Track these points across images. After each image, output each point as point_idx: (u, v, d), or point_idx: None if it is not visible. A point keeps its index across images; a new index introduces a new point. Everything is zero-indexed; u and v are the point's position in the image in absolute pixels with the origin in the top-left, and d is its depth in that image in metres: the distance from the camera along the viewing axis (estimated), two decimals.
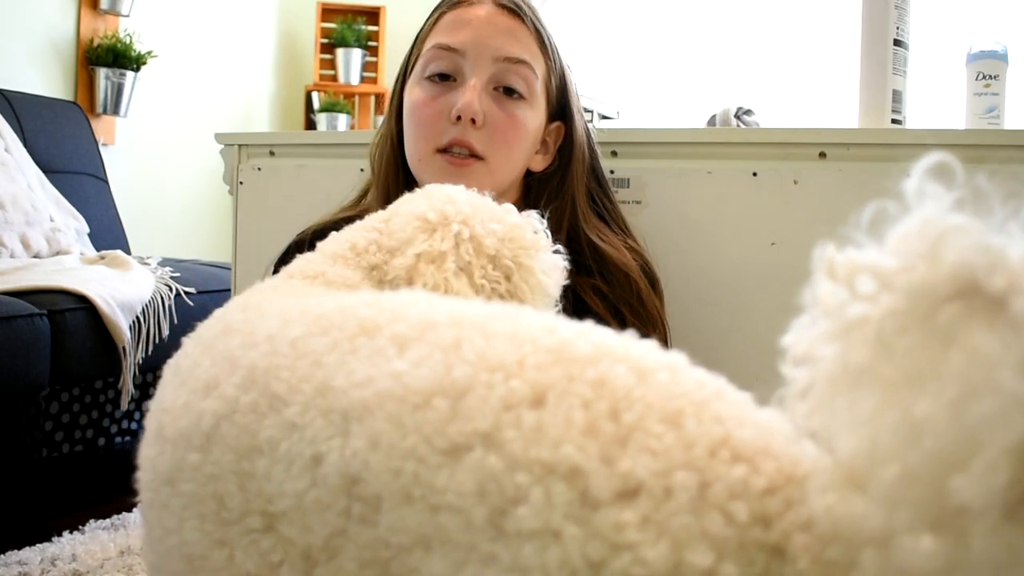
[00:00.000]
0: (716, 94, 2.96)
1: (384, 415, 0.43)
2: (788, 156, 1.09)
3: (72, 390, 2.13)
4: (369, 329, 0.48)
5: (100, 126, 2.96)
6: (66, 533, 1.61)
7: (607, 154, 1.14)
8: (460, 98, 0.95)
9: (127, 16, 3.05)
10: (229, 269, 1.54)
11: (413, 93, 0.99)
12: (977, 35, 1.33)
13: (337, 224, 0.97)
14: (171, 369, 0.61)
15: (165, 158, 3.31)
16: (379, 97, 3.85)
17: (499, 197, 0.77)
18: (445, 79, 0.98)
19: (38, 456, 2.04)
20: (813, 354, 0.37)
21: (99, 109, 2.96)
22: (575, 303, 0.92)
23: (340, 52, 3.80)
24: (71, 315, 1.79)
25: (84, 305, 1.83)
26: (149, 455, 0.57)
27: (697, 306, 1.10)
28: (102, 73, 2.94)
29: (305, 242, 0.97)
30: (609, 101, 2.53)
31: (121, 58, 2.94)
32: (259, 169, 1.40)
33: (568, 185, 1.02)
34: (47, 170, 2.48)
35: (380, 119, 1.22)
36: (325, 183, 1.30)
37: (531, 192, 1.04)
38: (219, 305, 0.67)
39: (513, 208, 0.74)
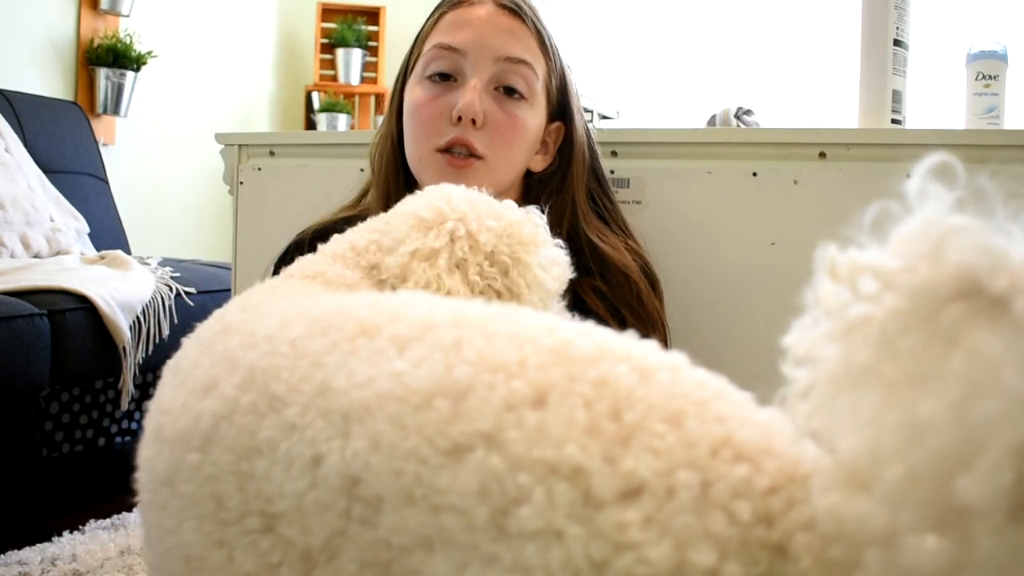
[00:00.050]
0: (716, 94, 2.96)
1: (385, 416, 0.43)
2: (788, 156, 1.09)
3: (72, 390, 2.13)
4: (369, 330, 0.48)
5: (100, 126, 2.97)
6: (66, 533, 1.60)
7: (607, 154, 1.14)
8: (461, 98, 0.95)
9: (127, 16, 3.05)
10: (229, 269, 1.54)
11: (414, 93, 0.99)
12: (977, 35, 1.33)
13: (337, 224, 0.98)
14: (170, 369, 0.61)
15: (165, 158, 3.31)
16: (379, 97, 3.85)
17: (499, 197, 0.77)
18: (446, 79, 0.98)
19: (38, 456, 2.04)
20: (815, 354, 0.37)
21: (99, 109, 2.96)
22: (575, 303, 0.92)
23: (340, 52, 3.80)
24: (71, 315, 1.79)
25: (84, 305, 1.83)
26: (148, 455, 0.57)
27: (697, 306, 1.10)
28: (102, 73, 2.94)
29: (305, 242, 0.97)
30: (609, 101, 2.53)
31: (121, 58, 2.94)
32: (259, 169, 1.40)
33: (568, 185, 1.02)
34: (47, 170, 2.48)
35: (380, 119, 1.22)
36: (325, 183, 1.30)
37: (531, 192, 1.04)
38: (219, 305, 0.67)
39: (513, 204, 0.74)
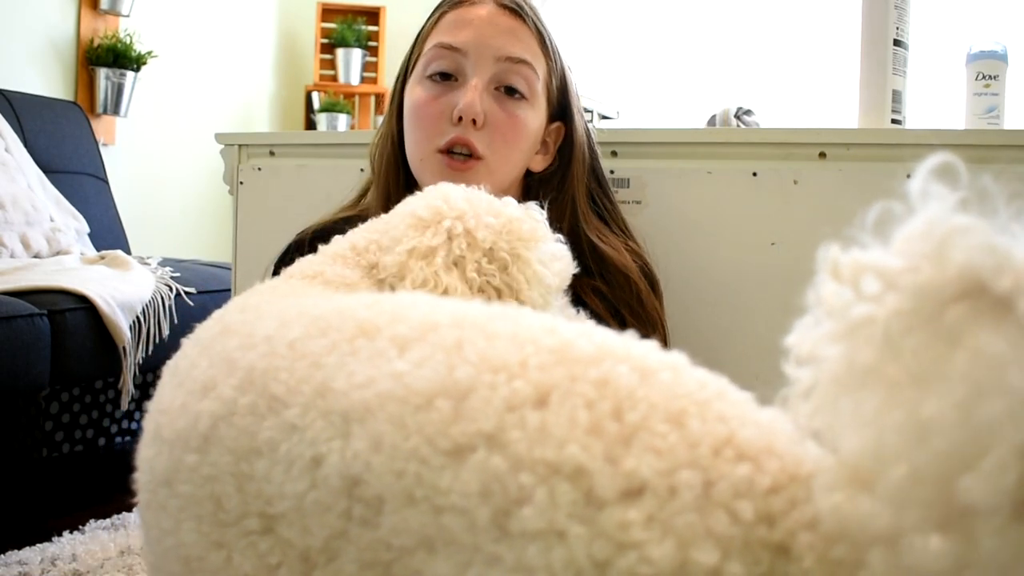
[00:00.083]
0: (716, 94, 2.96)
1: (386, 416, 0.42)
2: (788, 156, 1.09)
3: (72, 390, 2.13)
4: (368, 330, 0.48)
5: (100, 126, 2.96)
6: (66, 533, 1.60)
7: (607, 154, 1.14)
8: (462, 98, 0.95)
9: (127, 16, 3.05)
10: (229, 269, 1.54)
11: (414, 92, 0.99)
12: (977, 35, 1.33)
13: (337, 224, 0.98)
14: (169, 370, 0.61)
15: (165, 158, 3.30)
16: (379, 97, 3.85)
17: (499, 196, 0.77)
18: (446, 78, 0.98)
19: (38, 456, 2.04)
20: (817, 354, 0.37)
21: (99, 109, 2.96)
22: (575, 303, 0.92)
23: (340, 52, 3.80)
24: (71, 315, 1.79)
25: (84, 305, 1.83)
26: (147, 456, 0.57)
27: (697, 306, 1.10)
28: (102, 73, 2.94)
29: (305, 242, 0.97)
30: (609, 101, 2.53)
31: (121, 58, 2.94)
32: (259, 169, 1.40)
33: (568, 185, 1.02)
34: (47, 170, 2.48)
35: (380, 119, 1.22)
36: (325, 183, 1.30)
37: (531, 192, 1.04)
38: (219, 305, 0.66)
39: (512, 201, 0.74)
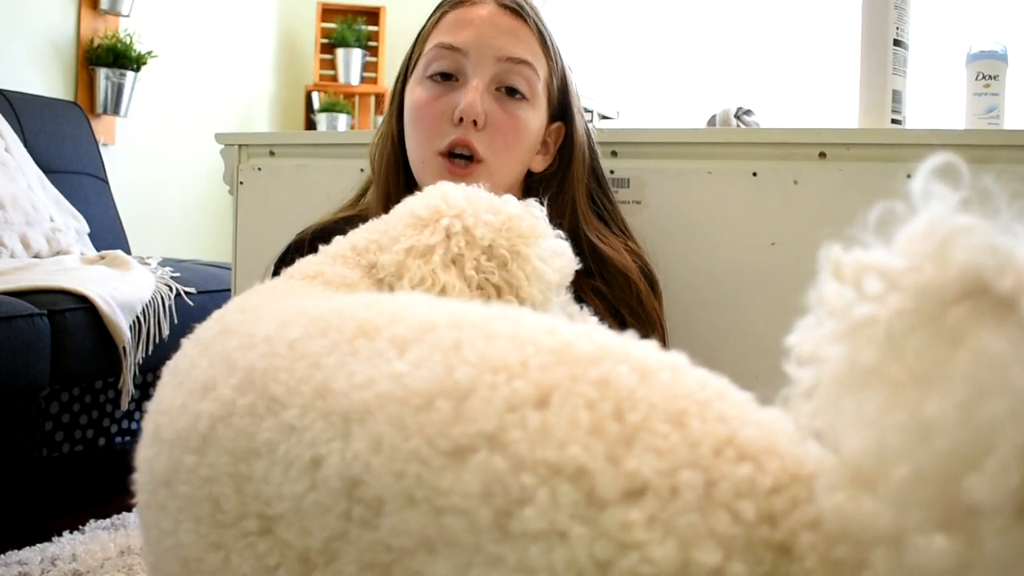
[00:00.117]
0: (716, 94, 2.96)
1: (385, 417, 0.42)
2: (788, 156, 1.09)
3: (72, 390, 2.12)
4: (368, 331, 0.48)
5: (100, 126, 2.96)
6: (66, 533, 1.60)
7: (607, 154, 1.14)
8: (463, 99, 0.94)
9: (127, 16, 3.05)
10: (229, 269, 1.54)
11: (415, 92, 0.99)
12: (977, 35, 1.33)
13: (337, 224, 0.98)
14: (169, 370, 0.61)
15: (165, 158, 3.30)
16: (379, 97, 3.84)
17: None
18: (447, 78, 0.97)
19: (38, 456, 2.04)
20: (819, 354, 0.37)
21: (99, 109, 2.96)
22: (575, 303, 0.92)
23: (340, 52, 3.80)
24: (71, 315, 1.79)
25: (84, 305, 1.83)
26: (146, 456, 0.57)
27: (697, 306, 1.10)
28: (102, 73, 2.94)
29: (305, 242, 0.97)
30: (609, 101, 2.53)
31: (121, 58, 2.94)
32: (259, 169, 1.40)
33: (568, 186, 1.02)
34: (47, 170, 2.47)
35: (380, 119, 1.21)
36: (325, 183, 1.30)
37: (532, 193, 1.04)
38: (219, 305, 0.66)
39: (512, 198, 0.74)
